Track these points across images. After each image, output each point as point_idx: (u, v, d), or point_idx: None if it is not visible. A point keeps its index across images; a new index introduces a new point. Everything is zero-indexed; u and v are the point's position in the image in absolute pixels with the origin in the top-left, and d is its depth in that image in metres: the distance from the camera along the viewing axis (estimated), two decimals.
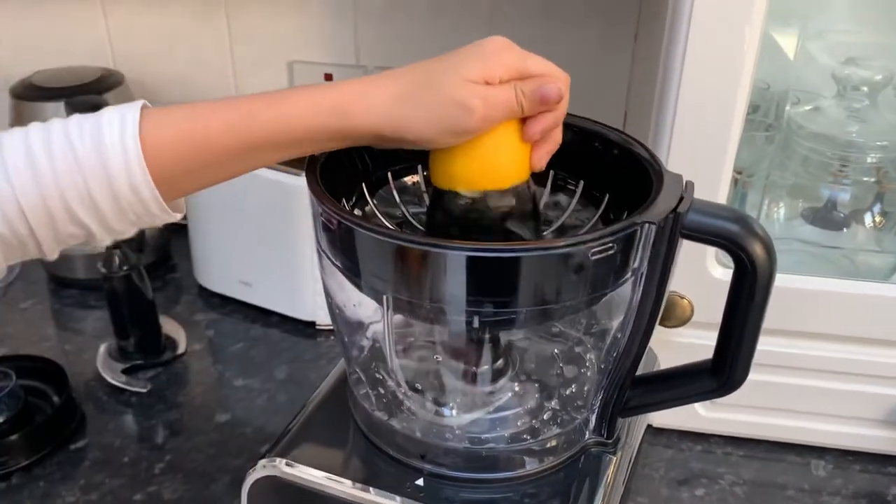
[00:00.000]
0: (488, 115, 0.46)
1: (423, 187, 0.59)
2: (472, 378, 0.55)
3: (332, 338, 0.97)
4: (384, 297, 0.46)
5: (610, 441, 0.55)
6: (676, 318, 0.73)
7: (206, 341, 0.97)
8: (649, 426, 0.82)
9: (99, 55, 1.10)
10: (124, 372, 0.90)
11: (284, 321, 0.99)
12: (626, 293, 0.49)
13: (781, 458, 0.80)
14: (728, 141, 0.67)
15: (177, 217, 0.49)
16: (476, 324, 0.46)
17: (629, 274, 0.47)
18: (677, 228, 0.46)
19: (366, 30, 1.04)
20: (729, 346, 0.50)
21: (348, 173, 0.55)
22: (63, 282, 1.07)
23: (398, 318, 0.56)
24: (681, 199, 0.47)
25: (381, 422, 0.54)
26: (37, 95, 0.96)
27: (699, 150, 0.67)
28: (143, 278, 0.88)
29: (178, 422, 0.85)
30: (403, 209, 0.57)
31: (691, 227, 0.46)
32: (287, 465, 0.53)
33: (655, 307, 0.49)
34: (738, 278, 0.48)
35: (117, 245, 0.86)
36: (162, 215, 0.47)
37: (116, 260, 0.87)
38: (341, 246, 0.48)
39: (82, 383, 0.89)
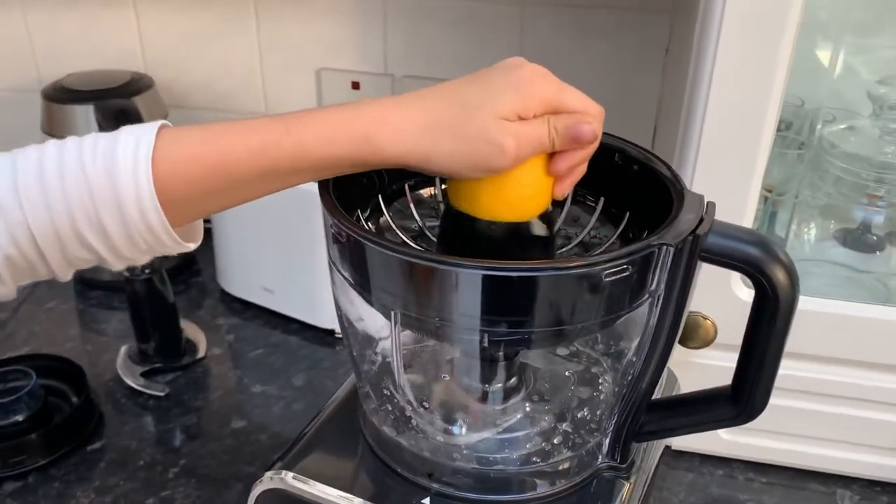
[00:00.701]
0: (520, 153, 0.45)
1: (439, 199, 0.58)
2: (482, 397, 0.54)
3: None
4: (392, 313, 0.45)
5: (623, 466, 0.54)
6: (699, 339, 0.72)
7: (225, 346, 0.97)
8: (669, 448, 0.80)
9: (130, 58, 1.11)
10: (143, 375, 0.90)
11: (304, 328, 0.99)
12: (642, 315, 0.48)
13: (805, 486, 0.78)
14: (756, 158, 0.65)
15: (190, 248, 0.48)
16: (487, 343, 0.45)
17: (646, 296, 0.46)
18: (696, 251, 0.45)
19: (395, 38, 1.04)
20: (749, 373, 0.49)
21: (364, 185, 0.55)
22: (89, 283, 1.08)
23: (408, 333, 0.55)
24: (700, 221, 0.45)
25: (389, 438, 0.53)
26: (67, 98, 0.97)
27: (727, 165, 0.65)
28: (164, 282, 0.88)
29: (194, 426, 0.85)
30: (420, 222, 0.57)
31: (711, 250, 0.45)
32: (294, 478, 0.52)
33: (673, 330, 0.48)
34: (758, 304, 0.47)
35: None
36: (172, 244, 0.46)
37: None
38: (351, 259, 0.47)
39: (102, 385, 0.90)
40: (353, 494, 0.51)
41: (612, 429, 0.53)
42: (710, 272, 0.48)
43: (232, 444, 0.82)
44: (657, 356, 0.49)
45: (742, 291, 0.70)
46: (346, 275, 0.48)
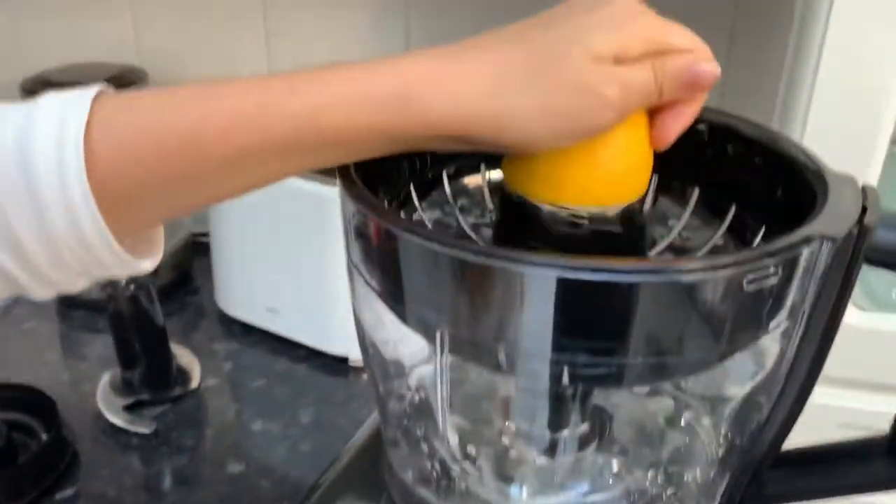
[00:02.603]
0: (626, 105, 0.33)
1: (486, 194, 0.46)
2: (550, 446, 0.41)
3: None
4: (437, 334, 0.33)
5: None
6: None
7: (223, 375, 0.84)
8: None
9: (123, 51, 1.00)
10: (127, 408, 0.78)
11: (313, 355, 0.86)
12: (773, 341, 0.35)
13: None
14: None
15: (144, 267, 0.34)
16: (566, 380, 0.33)
17: (784, 314, 0.33)
18: (860, 249, 0.32)
19: (419, 26, 0.92)
20: None
21: (392, 171, 0.43)
22: (72, 302, 0.95)
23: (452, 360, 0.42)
24: (864, 210, 0.33)
25: (423, 500, 0.40)
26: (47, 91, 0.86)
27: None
28: (152, 300, 0.76)
29: (184, 469, 0.72)
30: (460, 218, 0.44)
31: (882, 247, 0.32)
32: None
33: (818, 361, 0.35)
34: None
35: None
36: (117, 263, 0.33)
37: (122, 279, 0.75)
38: (380, 260, 0.35)
39: (78, 419, 0.77)
40: None
41: (722, 493, 0.40)
42: None
43: (227, 491, 0.69)
44: (792, 397, 0.36)
45: (852, 315, 0.58)
46: (373, 282, 0.35)
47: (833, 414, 0.64)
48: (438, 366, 0.34)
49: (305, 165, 0.34)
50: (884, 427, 0.61)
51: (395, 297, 0.34)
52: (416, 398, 0.43)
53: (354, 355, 0.84)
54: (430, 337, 0.33)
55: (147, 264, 0.34)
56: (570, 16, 0.34)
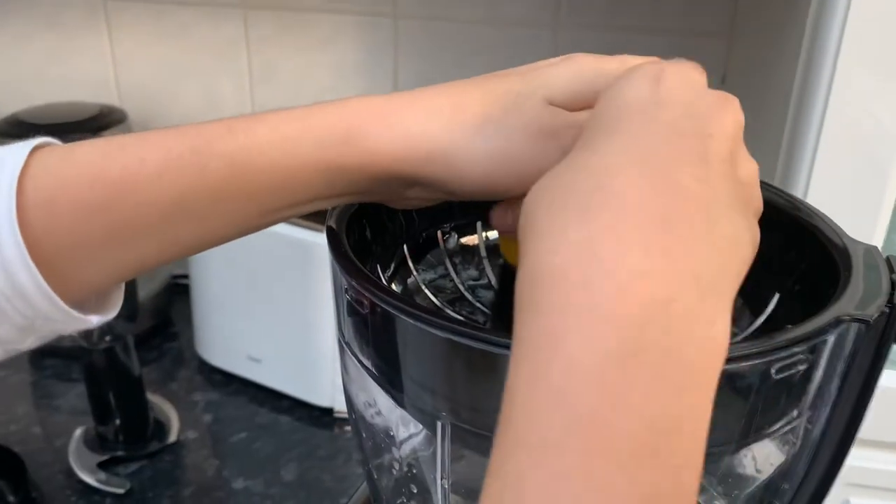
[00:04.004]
0: None
1: (483, 253, 0.44)
2: None
3: None
4: (439, 424, 0.30)
5: None
6: None
7: (202, 428, 0.81)
8: None
9: (103, 91, 0.98)
10: (101, 465, 0.74)
11: (297, 406, 0.83)
12: (798, 428, 0.33)
13: None
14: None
15: (92, 322, 0.33)
16: None
17: (810, 397, 0.31)
18: (891, 329, 0.30)
19: (407, 67, 0.90)
20: None
21: (385, 231, 0.40)
22: (45, 351, 0.92)
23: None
24: (893, 285, 0.31)
25: None
26: (21, 133, 0.82)
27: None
28: (129, 353, 0.73)
29: None
30: (457, 280, 0.42)
31: None
32: None
33: (843, 446, 0.33)
34: None
35: None
36: (62, 318, 0.31)
37: (97, 329, 0.72)
38: (374, 339, 0.32)
39: (48, 478, 0.73)
40: None
41: None
42: None
43: None
44: (818, 479, 0.33)
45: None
46: (366, 361, 0.33)
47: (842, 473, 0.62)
48: (439, 452, 0.32)
49: (247, 216, 0.32)
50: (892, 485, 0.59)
51: (389, 380, 0.32)
52: (409, 475, 0.40)
53: (339, 406, 0.81)
54: (428, 424, 0.31)
55: (95, 319, 0.33)
56: (530, 69, 0.33)
